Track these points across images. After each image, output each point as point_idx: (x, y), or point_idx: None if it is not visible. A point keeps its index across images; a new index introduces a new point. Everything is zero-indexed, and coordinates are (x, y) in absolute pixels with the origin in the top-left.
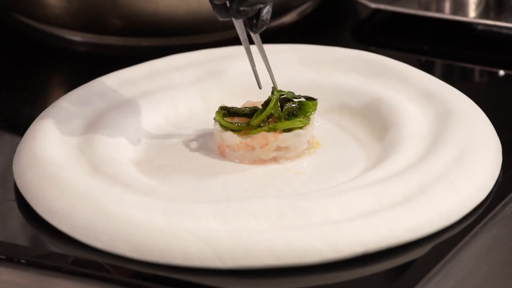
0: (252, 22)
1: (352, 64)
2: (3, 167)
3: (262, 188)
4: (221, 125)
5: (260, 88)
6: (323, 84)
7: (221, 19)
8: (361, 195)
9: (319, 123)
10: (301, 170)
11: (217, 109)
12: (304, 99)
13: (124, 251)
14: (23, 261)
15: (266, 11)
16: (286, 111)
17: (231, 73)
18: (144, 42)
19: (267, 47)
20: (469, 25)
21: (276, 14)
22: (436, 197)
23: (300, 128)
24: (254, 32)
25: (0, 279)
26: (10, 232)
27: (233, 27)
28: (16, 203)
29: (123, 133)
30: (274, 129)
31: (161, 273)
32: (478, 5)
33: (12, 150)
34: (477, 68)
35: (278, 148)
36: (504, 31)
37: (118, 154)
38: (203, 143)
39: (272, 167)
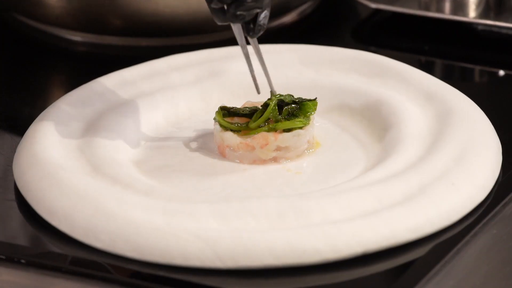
0: (249, 27)
1: (352, 64)
2: (3, 167)
3: (262, 188)
4: (220, 125)
5: (258, 93)
6: (323, 84)
7: (219, 23)
8: (361, 195)
9: (319, 123)
10: (301, 170)
11: (217, 109)
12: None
13: (124, 251)
14: (23, 261)
15: (264, 16)
16: (286, 111)
17: (231, 73)
18: (144, 42)
19: (267, 47)
20: (469, 25)
21: (276, 14)
22: (436, 197)
23: (300, 128)
24: (251, 37)
25: (0, 279)
26: (10, 232)
27: None
28: (16, 203)
29: (123, 133)
30: (274, 129)
31: (161, 273)
32: (478, 5)
33: (12, 150)
34: (477, 68)
35: (278, 148)
36: (504, 31)
37: (118, 154)
38: (203, 143)
39: (272, 167)
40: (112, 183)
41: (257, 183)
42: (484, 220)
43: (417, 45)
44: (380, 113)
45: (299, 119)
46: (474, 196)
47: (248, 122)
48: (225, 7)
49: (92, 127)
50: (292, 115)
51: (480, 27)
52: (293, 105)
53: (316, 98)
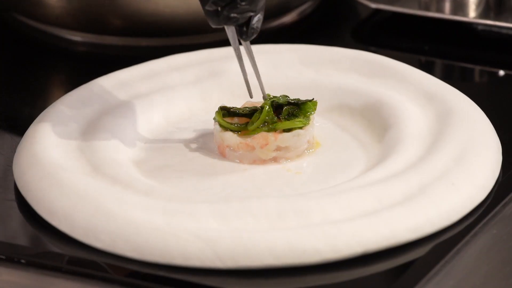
0: (242, 30)
1: (352, 64)
2: (3, 167)
3: (262, 188)
4: (220, 125)
5: (251, 97)
6: (323, 84)
7: (213, 26)
8: (361, 195)
9: (319, 123)
10: (301, 170)
11: (217, 109)
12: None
13: (124, 251)
14: (23, 261)
15: (257, 19)
16: (286, 111)
17: (231, 73)
18: (144, 42)
19: (267, 47)
20: (469, 25)
21: (276, 14)
22: (436, 197)
23: (300, 128)
24: (244, 40)
25: (0, 279)
26: (10, 232)
27: None
28: (16, 203)
29: (123, 133)
30: (274, 129)
31: (161, 273)
32: (478, 5)
33: (12, 150)
34: (477, 68)
35: (278, 148)
36: (504, 31)
37: (118, 154)
38: (203, 143)
39: (272, 167)
40: (112, 183)
41: (257, 183)
42: (484, 220)
43: (417, 45)
44: (380, 113)
45: (299, 119)
46: (474, 196)
47: (248, 122)
48: (219, 9)
49: (92, 127)
50: (292, 115)
51: (480, 27)
52: (293, 105)
53: (313, 98)
